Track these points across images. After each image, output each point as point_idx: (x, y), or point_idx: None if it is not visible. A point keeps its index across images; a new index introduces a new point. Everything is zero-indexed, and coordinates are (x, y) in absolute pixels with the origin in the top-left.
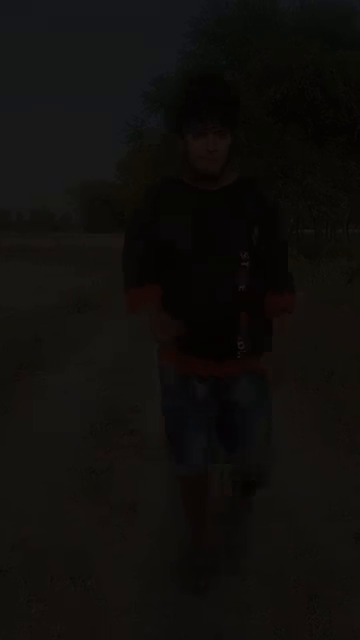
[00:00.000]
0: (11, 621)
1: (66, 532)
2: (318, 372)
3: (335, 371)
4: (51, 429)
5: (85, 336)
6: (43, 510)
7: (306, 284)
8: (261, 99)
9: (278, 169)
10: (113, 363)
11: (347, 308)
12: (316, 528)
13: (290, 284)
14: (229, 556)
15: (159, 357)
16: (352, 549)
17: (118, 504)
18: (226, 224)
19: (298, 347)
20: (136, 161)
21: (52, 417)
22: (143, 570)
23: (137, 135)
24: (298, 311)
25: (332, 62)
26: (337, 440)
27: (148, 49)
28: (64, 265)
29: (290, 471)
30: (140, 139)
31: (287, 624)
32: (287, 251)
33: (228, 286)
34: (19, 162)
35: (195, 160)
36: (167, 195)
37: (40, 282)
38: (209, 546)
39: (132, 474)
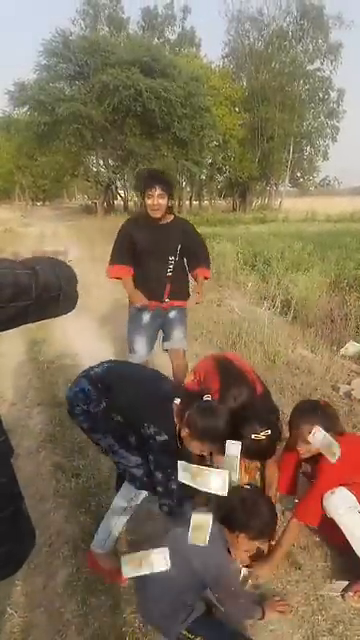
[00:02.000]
0: None
1: None
2: None
3: None
4: None
5: None
6: None
7: None
8: (100, 107)
9: (117, 158)
10: None
11: None
12: None
13: (208, 263)
14: None
15: (129, 305)
16: None
17: None
18: (164, 242)
19: None
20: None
21: None
22: None
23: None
24: None
25: (147, 86)
26: None
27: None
28: None
29: None
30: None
31: None
32: (204, 245)
33: (163, 272)
34: None
35: (148, 210)
36: (136, 222)
37: None
38: None
39: None
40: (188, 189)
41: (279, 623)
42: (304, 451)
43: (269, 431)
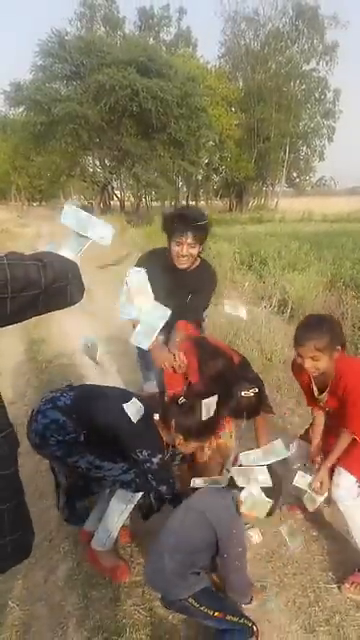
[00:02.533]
0: None
1: None
2: None
3: None
4: None
5: None
6: None
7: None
8: (97, 107)
9: (114, 158)
10: None
11: None
12: None
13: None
14: None
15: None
16: None
17: None
18: (183, 290)
19: None
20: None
21: None
22: None
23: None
24: None
25: (143, 86)
26: None
27: None
28: None
29: None
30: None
31: None
32: (201, 300)
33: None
34: None
35: (173, 256)
36: (155, 263)
37: None
38: None
39: None
40: (184, 189)
41: (277, 614)
42: (312, 369)
43: (256, 389)
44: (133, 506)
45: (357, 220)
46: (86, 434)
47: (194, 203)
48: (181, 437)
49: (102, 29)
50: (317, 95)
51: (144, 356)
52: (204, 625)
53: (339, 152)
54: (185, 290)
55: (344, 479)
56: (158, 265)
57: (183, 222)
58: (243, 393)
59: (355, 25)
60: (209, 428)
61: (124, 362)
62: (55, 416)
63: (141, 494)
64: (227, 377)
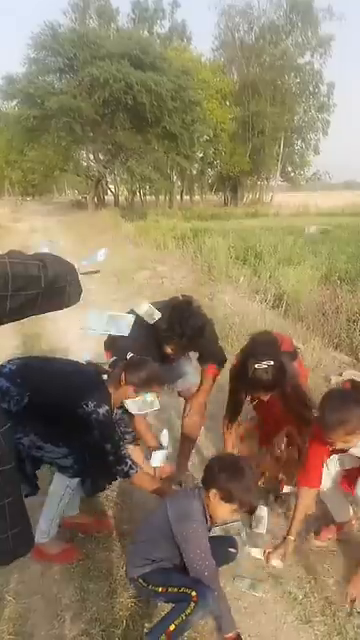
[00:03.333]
0: None
1: None
2: None
3: None
4: None
5: None
6: None
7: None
8: (90, 101)
9: (108, 152)
10: None
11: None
12: None
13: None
14: None
15: None
16: None
17: None
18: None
19: None
20: None
21: None
22: None
23: None
24: None
25: (137, 79)
26: None
27: None
28: None
29: None
30: None
31: None
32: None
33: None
34: None
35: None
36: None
37: None
38: None
39: None
40: (179, 184)
41: (273, 604)
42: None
43: (271, 362)
44: (72, 492)
45: (352, 214)
46: (30, 398)
47: (188, 198)
48: (132, 387)
49: (95, 22)
50: (311, 88)
51: None
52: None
53: (334, 146)
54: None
55: None
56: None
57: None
58: (256, 365)
59: (349, 18)
60: (154, 380)
61: None
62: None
63: (77, 480)
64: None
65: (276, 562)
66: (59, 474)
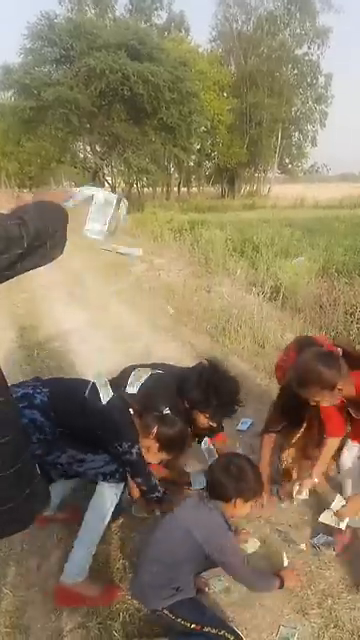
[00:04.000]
0: None
1: None
2: None
3: None
4: None
5: None
6: None
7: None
8: (87, 92)
9: (104, 144)
10: None
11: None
12: None
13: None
14: None
15: None
16: None
17: None
18: None
19: None
20: None
21: None
22: None
23: None
24: None
25: (134, 70)
26: None
27: None
28: None
29: None
30: None
31: None
32: None
33: None
34: None
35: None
36: None
37: None
38: None
39: None
40: (176, 176)
41: (270, 598)
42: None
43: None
44: (105, 527)
45: (349, 206)
46: (62, 431)
47: (186, 189)
48: (157, 445)
49: (92, 11)
50: (309, 80)
51: None
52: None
53: (331, 138)
54: None
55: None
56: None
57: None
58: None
59: (348, 10)
60: (181, 445)
61: (115, 346)
62: (33, 416)
63: (123, 486)
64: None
65: (299, 496)
66: (104, 485)
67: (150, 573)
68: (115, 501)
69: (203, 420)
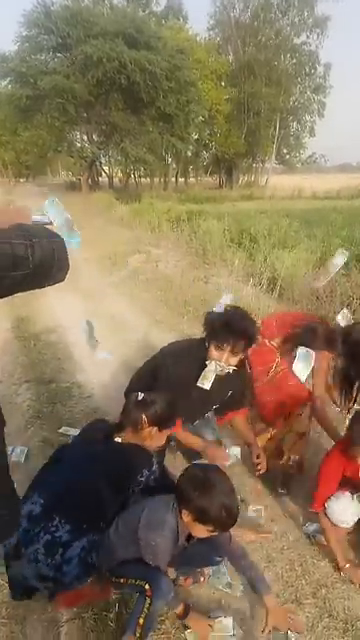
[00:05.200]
0: None
1: None
2: None
3: None
4: None
5: None
6: None
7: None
8: (84, 80)
9: (102, 133)
10: None
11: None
12: None
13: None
14: None
15: None
16: None
17: None
18: (215, 394)
19: None
20: None
21: None
22: None
23: None
24: None
25: (131, 58)
26: None
27: None
28: None
29: None
30: None
31: None
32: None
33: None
34: None
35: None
36: (195, 351)
37: None
38: None
39: None
40: (174, 166)
41: None
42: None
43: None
44: None
45: (347, 197)
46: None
47: (183, 180)
48: (155, 428)
49: None
50: (307, 69)
51: None
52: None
53: (330, 129)
54: (219, 393)
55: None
56: (197, 360)
57: (229, 331)
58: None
59: None
60: (173, 411)
61: (112, 337)
62: (40, 544)
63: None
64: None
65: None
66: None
67: (109, 539)
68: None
69: (214, 355)
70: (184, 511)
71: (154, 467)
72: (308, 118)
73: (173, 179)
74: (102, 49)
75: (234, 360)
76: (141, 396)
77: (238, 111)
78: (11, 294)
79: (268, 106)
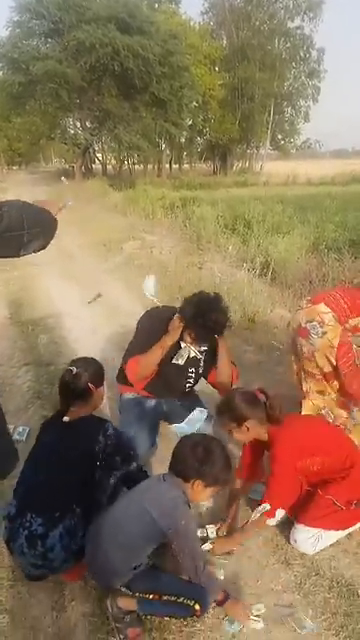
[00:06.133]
0: None
1: None
2: None
3: None
4: None
5: None
6: None
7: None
8: (76, 66)
9: (95, 119)
10: None
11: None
12: None
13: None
14: None
15: (120, 394)
16: None
17: None
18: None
19: None
20: None
21: None
22: None
23: None
24: None
25: (124, 44)
26: None
27: None
28: None
29: None
30: None
31: None
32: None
33: (180, 385)
34: None
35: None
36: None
37: None
38: None
39: None
40: (168, 152)
41: (256, 549)
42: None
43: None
44: None
45: (342, 183)
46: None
47: (177, 166)
48: (101, 388)
49: None
50: (302, 54)
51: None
52: None
53: (324, 114)
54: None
55: (301, 534)
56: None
57: (200, 325)
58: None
59: None
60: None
61: (108, 323)
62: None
63: None
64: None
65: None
66: None
67: (106, 556)
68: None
69: (186, 338)
70: (197, 481)
71: (109, 430)
72: (302, 103)
73: (167, 166)
74: (94, 34)
75: (205, 346)
76: (75, 370)
77: (232, 96)
78: None
79: (262, 91)
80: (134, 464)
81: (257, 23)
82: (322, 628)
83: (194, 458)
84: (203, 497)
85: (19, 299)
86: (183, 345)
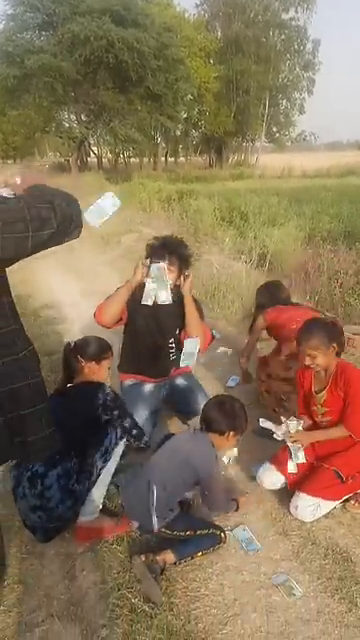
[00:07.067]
0: None
1: None
2: None
3: None
4: None
5: None
6: None
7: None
8: (71, 59)
9: (90, 113)
10: None
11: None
12: None
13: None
14: None
15: (121, 380)
16: None
17: None
18: (164, 323)
19: None
20: None
21: None
22: None
23: None
24: None
25: (118, 37)
26: None
27: None
28: None
29: None
30: None
31: None
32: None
33: (164, 355)
34: None
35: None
36: (133, 295)
37: None
38: None
39: None
40: (163, 145)
41: (256, 522)
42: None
43: None
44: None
45: (337, 175)
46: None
47: (173, 160)
48: (93, 362)
49: None
50: (296, 46)
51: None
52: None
53: (319, 107)
54: (167, 321)
55: (303, 502)
56: (136, 297)
57: (161, 246)
58: None
59: None
60: (104, 350)
61: None
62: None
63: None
64: None
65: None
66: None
67: (159, 499)
68: (122, 446)
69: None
70: (231, 432)
71: (107, 390)
72: (297, 95)
73: (163, 159)
74: (89, 27)
75: (171, 276)
76: (73, 343)
77: (227, 89)
78: (38, 251)
79: (257, 84)
80: (129, 420)
81: (252, 15)
82: (318, 591)
83: (224, 414)
84: (231, 445)
85: (21, 292)
86: (146, 282)
